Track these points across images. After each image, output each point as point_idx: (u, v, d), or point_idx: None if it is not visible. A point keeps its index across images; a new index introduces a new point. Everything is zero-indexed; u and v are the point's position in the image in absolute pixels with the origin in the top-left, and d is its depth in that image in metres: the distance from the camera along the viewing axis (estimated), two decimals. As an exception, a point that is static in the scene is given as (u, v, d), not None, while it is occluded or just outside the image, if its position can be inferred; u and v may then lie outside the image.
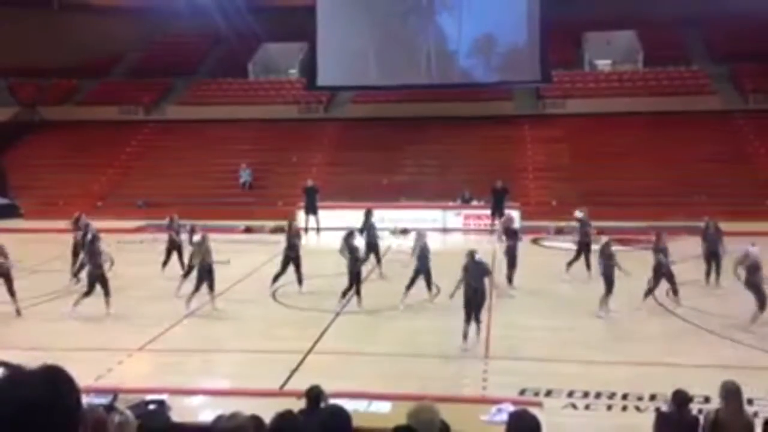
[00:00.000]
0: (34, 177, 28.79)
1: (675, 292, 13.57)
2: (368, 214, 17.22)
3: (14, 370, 1.77)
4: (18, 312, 13.44)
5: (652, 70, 32.26)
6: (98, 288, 13.47)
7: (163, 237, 17.35)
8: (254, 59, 35.62)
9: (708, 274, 15.23)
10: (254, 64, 35.58)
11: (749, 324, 12.05)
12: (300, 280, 15.09)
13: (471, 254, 11.83)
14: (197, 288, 13.62)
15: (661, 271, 13.59)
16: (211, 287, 13.63)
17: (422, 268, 14.00)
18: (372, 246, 16.63)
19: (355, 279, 13.95)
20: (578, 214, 17.10)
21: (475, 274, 11.54)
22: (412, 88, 30.79)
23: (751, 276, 12.24)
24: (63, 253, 17.15)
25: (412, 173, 28.07)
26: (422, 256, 14.03)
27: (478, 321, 11.53)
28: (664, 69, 32.00)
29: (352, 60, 30.54)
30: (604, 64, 34.02)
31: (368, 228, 16.85)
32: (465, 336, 11.42)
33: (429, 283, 14.09)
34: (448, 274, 14.64)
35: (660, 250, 13.66)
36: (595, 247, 15.42)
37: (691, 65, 32.28)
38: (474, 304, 11.42)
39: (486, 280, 11.69)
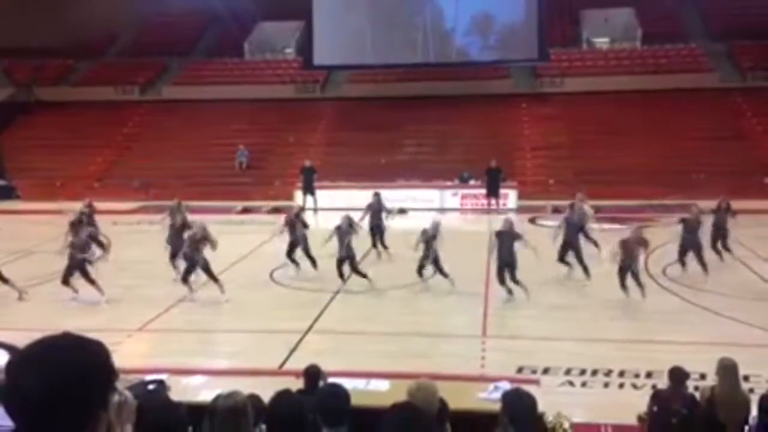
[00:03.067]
0: (30, 158, 28.69)
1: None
2: (376, 196, 17.16)
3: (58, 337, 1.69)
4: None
5: (650, 47, 32.11)
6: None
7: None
8: (250, 38, 35.41)
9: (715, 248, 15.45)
10: (250, 43, 35.37)
11: None
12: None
13: (506, 221, 13.09)
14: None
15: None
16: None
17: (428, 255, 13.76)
18: (376, 229, 16.51)
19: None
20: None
21: (507, 240, 12.68)
22: (408, 67, 30.64)
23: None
24: (61, 234, 17.09)
25: (409, 153, 28.03)
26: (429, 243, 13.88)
27: (516, 282, 12.68)
28: (662, 47, 31.86)
29: (348, 39, 30.36)
30: (602, 42, 33.86)
31: (374, 211, 16.71)
32: (510, 292, 12.73)
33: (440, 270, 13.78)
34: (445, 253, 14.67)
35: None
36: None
37: (689, 43, 32.13)
38: (507, 267, 12.66)
39: (516, 245, 12.74)
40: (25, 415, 1.59)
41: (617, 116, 27.96)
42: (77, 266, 13.23)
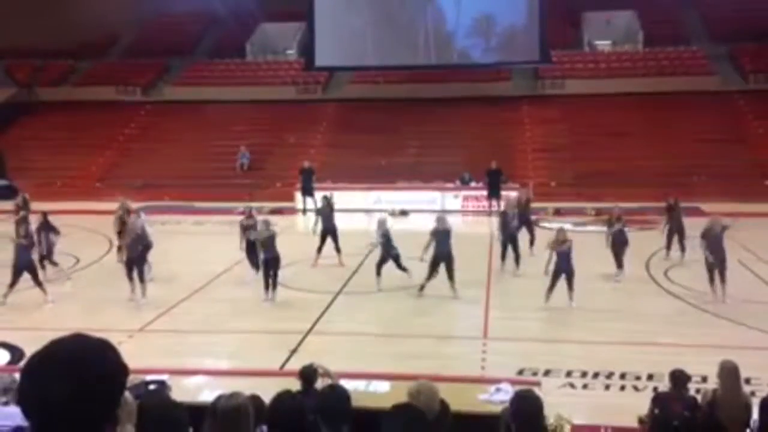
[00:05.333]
0: (31, 158, 28.69)
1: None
2: (325, 199, 16.65)
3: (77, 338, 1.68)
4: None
5: (652, 50, 32.10)
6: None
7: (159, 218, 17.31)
8: (252, 39, 35.40)
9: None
10: (252, 44, 35.36)
11: None
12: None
13: (439, 219, 13.43)
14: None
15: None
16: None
17: (386, 254, 14.00)
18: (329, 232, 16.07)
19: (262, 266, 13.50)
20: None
21: (442, 237, 13.00)
22: (410, 68, 30.64)
23: None
24: (64, 234, 17.08)
25: (410, 154, 27.98)
26: (385, 243, 14.03)
27: (452, 279, 13.05)
28: (664, 49, 31.84)
29: (350, 40, 30.37)
30: (603, 44, 33.84)
31: (324, 215, 16.26)
32: (422, 288, 13.16)
33: (399, 267, 13.99)
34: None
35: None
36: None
37: (690, 45, 32.12)
38: (443, 263, 13.01)
39: (452, 242, 13.07)
40: (47, 419, 1.58)
41: (618, 118, 27.95)
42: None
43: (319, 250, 15.78)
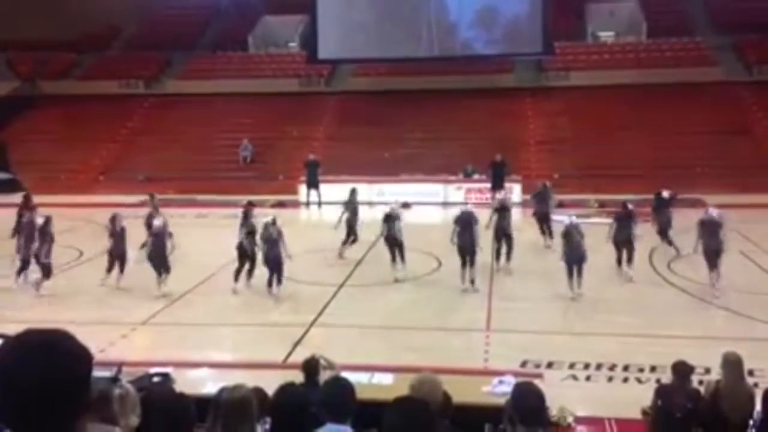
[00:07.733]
0: (35, 151, 28.71)
1: (630, 260, 14.07)
2: (353, 192, 16.57)
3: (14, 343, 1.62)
4: None
5: (655, 41, 31.98)
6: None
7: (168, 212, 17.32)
8: (254, 32, 35.35)
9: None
10: (254, 37, 35.31)
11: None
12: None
13: (463, 209, 13.70)
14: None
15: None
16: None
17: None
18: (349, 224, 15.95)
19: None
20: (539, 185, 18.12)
21: (464, 226, 13.18)
22: (413, 61, 30.57)
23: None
24: (67, 227, 17.13)
25: (413, 147, 27.94)
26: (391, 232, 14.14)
27: (472, 264, 13.21)
28: (667, 40, 31.71)
29: (352, 32, 30.32)
30: (606, 35, 33.73)
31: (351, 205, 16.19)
32: (463, 279, 13.18)
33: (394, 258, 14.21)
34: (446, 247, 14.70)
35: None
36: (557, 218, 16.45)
37: (694, 36, 31.98)
38: (467, 252, 13.13)
39: (476, 229, 13.30)
40: (23, 414, 1.55)
41: (622, 110, 27.85)
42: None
43: (345, 243, 15.85)
